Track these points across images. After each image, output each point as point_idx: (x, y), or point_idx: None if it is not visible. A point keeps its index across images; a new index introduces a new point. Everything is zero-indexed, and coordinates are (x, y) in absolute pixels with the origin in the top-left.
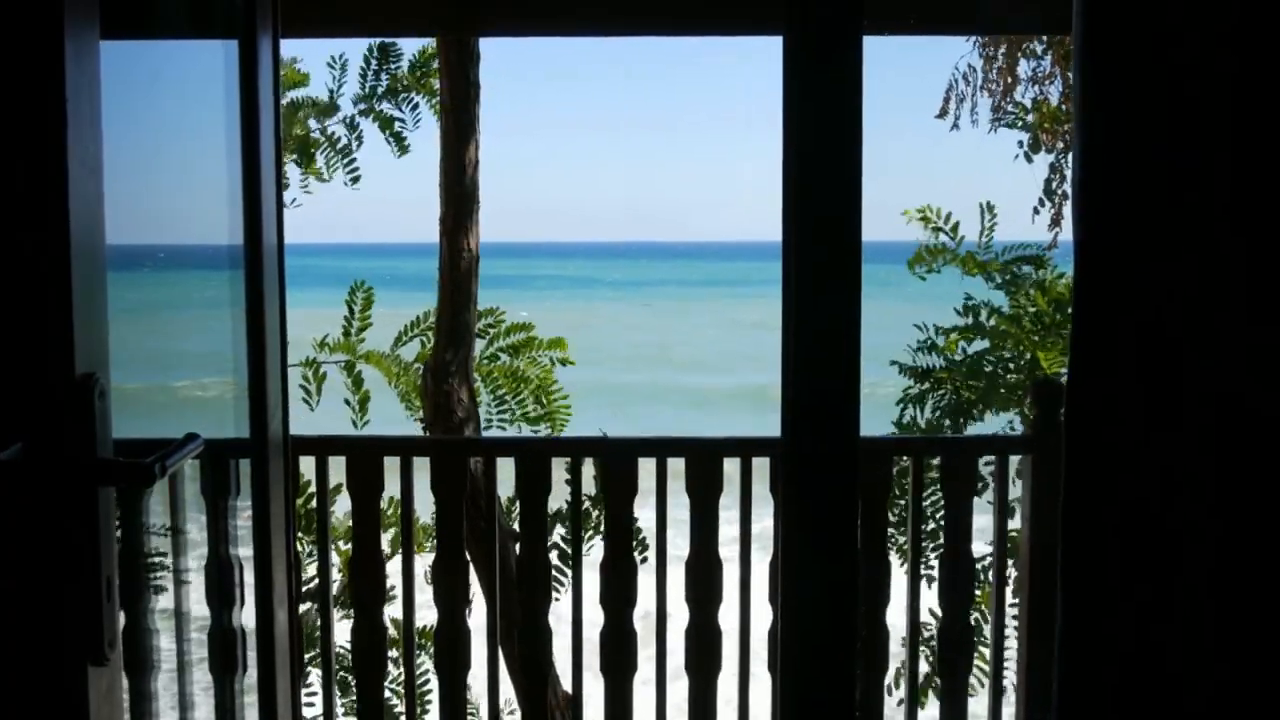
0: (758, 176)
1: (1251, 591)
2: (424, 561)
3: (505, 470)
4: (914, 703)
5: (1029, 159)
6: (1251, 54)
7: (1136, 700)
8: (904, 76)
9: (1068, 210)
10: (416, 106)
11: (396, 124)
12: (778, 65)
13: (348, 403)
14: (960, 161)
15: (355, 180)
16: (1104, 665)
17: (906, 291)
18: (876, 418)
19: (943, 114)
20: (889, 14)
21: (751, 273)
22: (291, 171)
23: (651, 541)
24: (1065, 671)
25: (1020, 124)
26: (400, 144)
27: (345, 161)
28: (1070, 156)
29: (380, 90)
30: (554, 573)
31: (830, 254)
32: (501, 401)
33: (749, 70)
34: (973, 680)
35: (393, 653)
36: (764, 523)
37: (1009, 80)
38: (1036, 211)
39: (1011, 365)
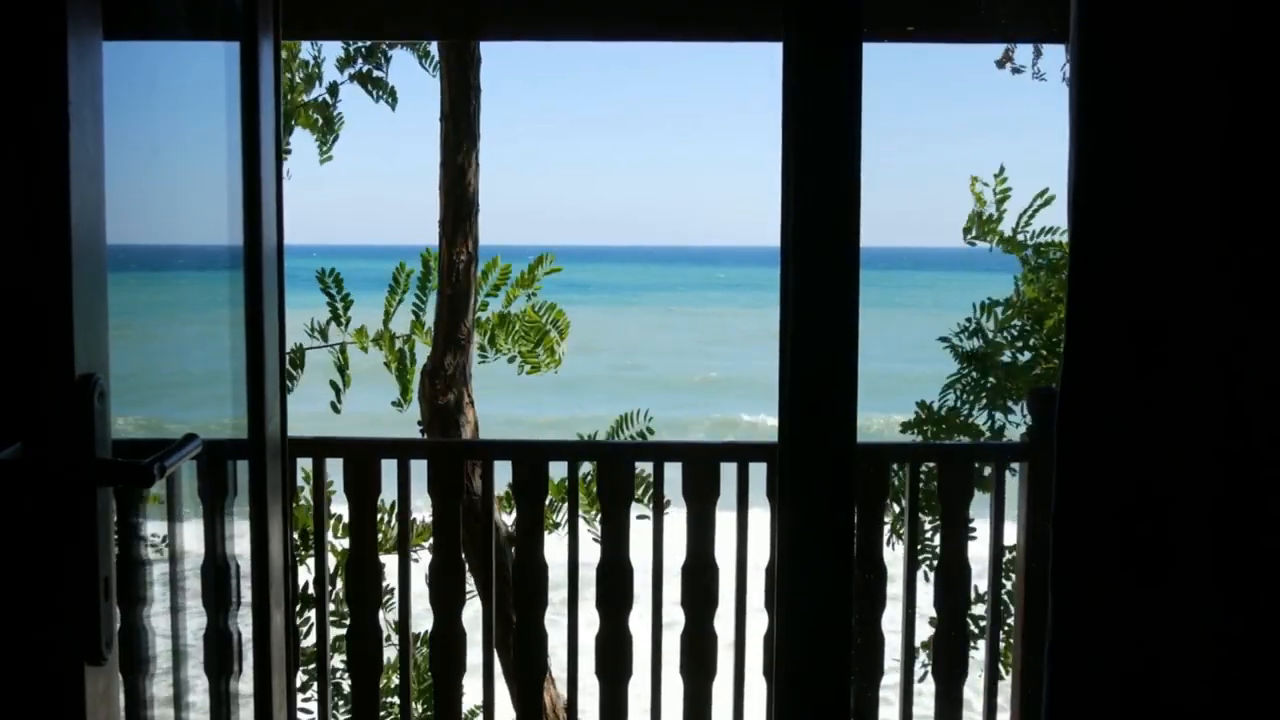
0: (758, 179)
1: (1248, 592)
2: (420, 564)
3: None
4: (908, 705)
5: None
6: (1251, 54)
7: (1130, 702)
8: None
9: None
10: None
11: (379, 79)
12: (778, 69)
13: (333, 384)
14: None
15: (327, 159)
16: (1096, 668)
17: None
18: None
19: (1003, 63)
20: (888, 19)
21: (754, 278)
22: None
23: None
24: (1056, 673)
25: None
26: (392, 97)
27: (321, 137)
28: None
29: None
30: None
31: (830, 255)
32: (493, 341)
33: (750, 74)
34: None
35: (389, 654)
36: (760, 528)
37: None
38: None
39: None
